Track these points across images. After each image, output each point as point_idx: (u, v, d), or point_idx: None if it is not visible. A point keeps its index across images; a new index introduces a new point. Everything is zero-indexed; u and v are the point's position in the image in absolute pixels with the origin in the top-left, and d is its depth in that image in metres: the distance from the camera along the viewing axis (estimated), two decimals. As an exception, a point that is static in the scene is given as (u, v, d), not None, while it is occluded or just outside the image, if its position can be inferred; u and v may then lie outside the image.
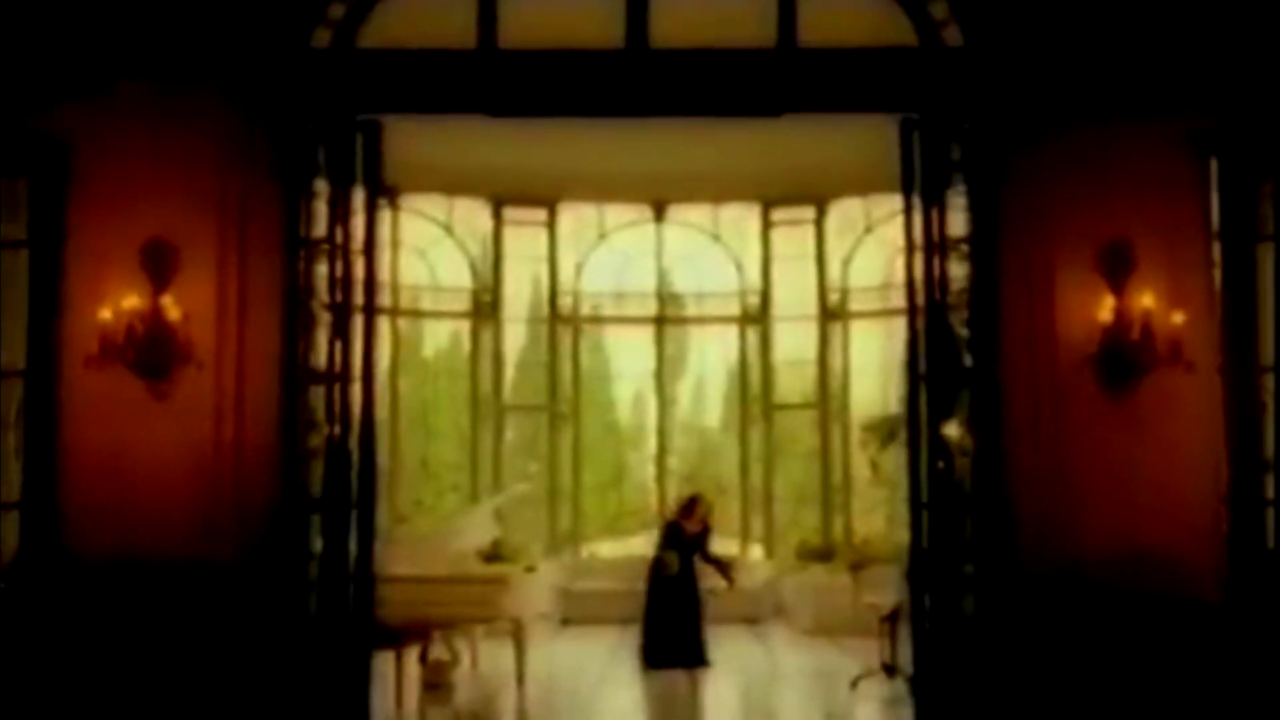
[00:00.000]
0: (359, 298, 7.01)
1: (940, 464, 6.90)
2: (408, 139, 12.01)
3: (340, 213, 7.00)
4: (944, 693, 6.90)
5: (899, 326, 13.96)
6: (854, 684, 8.70)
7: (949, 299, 6.97)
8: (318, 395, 6.93)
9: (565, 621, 12.92)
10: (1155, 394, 6.57)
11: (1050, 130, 6.84)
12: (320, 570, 6.84)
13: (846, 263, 14.16)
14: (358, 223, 7.05)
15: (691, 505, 10.50)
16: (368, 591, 6.92)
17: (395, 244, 13.81)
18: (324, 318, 6.94)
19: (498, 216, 14.25)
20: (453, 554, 8.92)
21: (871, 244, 14.05)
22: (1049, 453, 6.69)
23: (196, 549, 6.54)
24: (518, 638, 8.75)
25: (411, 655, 8.40)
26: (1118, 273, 6.61)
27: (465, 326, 14.32)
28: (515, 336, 14.65)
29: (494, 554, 12.64)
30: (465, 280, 14.25)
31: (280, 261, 6.83)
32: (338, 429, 6.87)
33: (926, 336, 7.01)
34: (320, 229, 6.96)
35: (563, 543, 14.09)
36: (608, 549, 14.56)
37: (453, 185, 13.97)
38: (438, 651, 8.73)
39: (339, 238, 6.97)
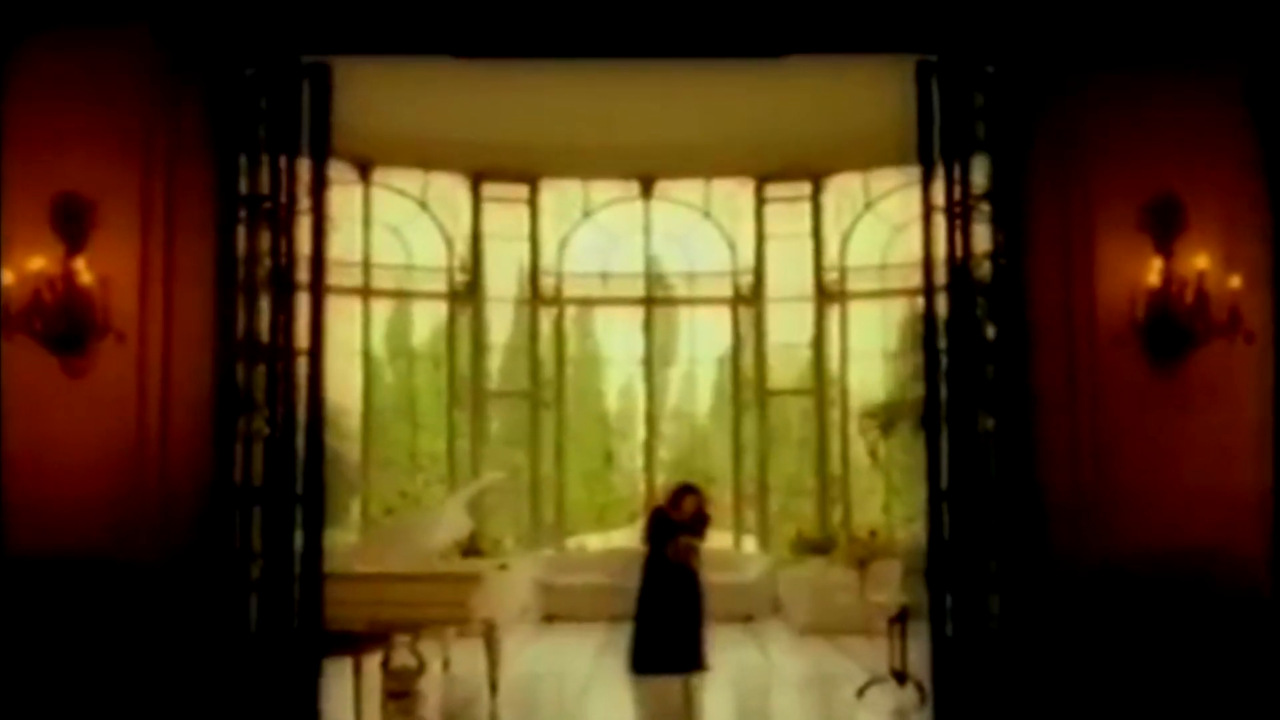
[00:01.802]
0: (306, 263, 6.18)
1: (962, 448, 6.13)
2: (380, 109, 11.47)
3: (284, 167, 6.19)
4: (967, 703, 6.15)
5: (899, 307, 13.68)
6: (860, 692, 7.94)
7: (971, 263, 6.19)
8: (259, 375, 6.12)
9: (548, 618, 12.27)
10: (1208, 368, 5.83)
11: (1086, 73, 6.07)
12: (262, 570, 6.05)
13: (845, 241, 13.78)
14: (304, 179, 6.22)
15: (678, 497, 9.48)
16: (315, 593, 6.13)
17: (367, 221, 13.21)
18: (266, 286, 6.12)
19: (476, 193, 13.68)
20: (418, 550, 8.12)
21: (871, 221, 13.71)
22: (1086, 435, 5.95)
23: (117, 547, 5.75)
24: (490, 641, 7.97)
25: (373, 662, 7.62)
26: (1166, 232, 5.86)
27: (444, 309, 13.65)
28: (503, 320, 14.08)
29: (472, 548, 12.00)
30: (442, 260, 13.58)
31: (214, 221, 6.03)
32: (281, 412, 6.06)
33: (948, 307, 6.24)
34: (261, 185, 6.15)
35: (547, 535, 13.44)
36: (595, 541, 13.93)
37: (429, 159, 13.52)
38: (402, 657, 7.94)
39: (282, 195, 6.15)
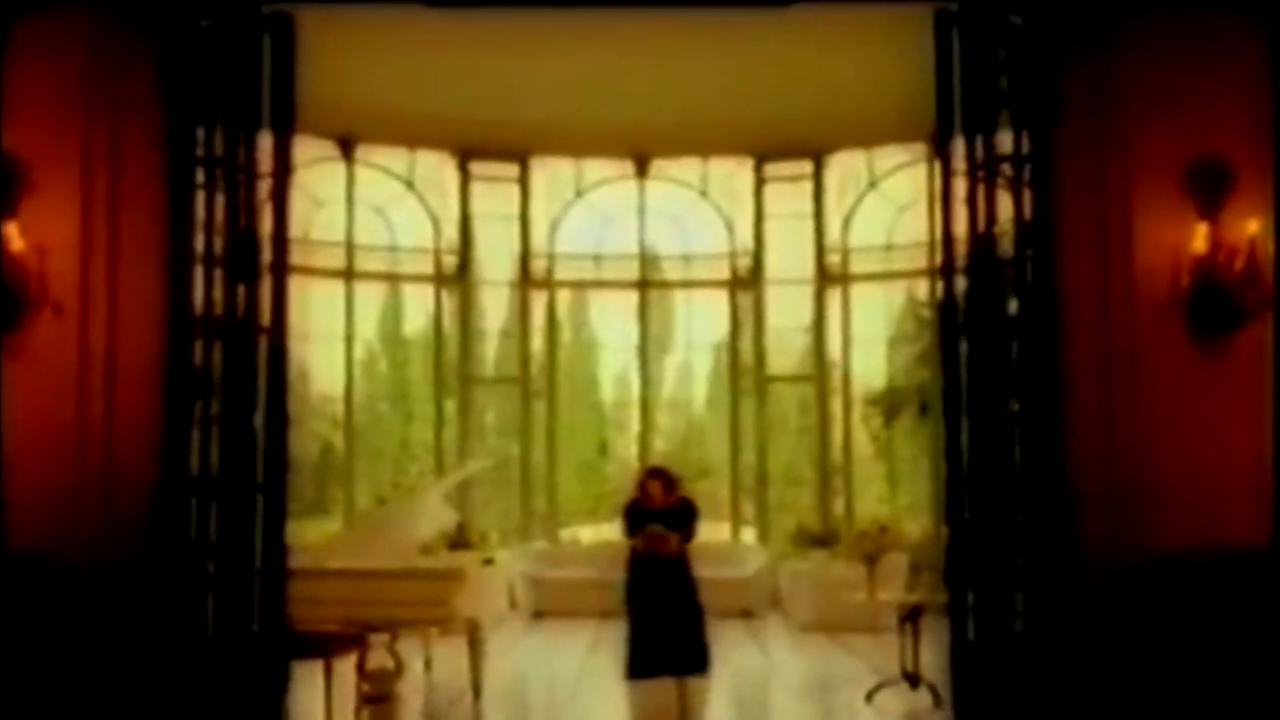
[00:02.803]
0: (267, 231, 5.66)
1: (984, 434, 5.63)
2: (362, 83, 10.97)
3: (242, 127, 5.66)
4: (989, 709, 5.66)
5: (904, 290, 13.22)
6: (870, 696, 7.44)
7: (994, 231, 5.69)
8: (217, 354, 5.60)
9: (537, 614, 11.77)
10: (1259, 345, 5.31)
11: (1120, 22, 5.57)
12: (219, 566, 5.54)
13: (847, 221, 13.36)
14: (266, 140, 5.70)
15: (643, 484, 8.54)
16: (278, 590, 5.61)
17: (350, 201, 12.72)
18: (224, 256, 5.60)
19: (465, 171, 13.17)
20: (399, 543, 7.61)
21: (875, 200, 13.31)
22: (1122, 418, 5.45)
23: (58, 543, 5.22)
24: (474, 640, 7.48)
25: (347, 664, 7.11)
26: (1211, 195, 5.35)
27: (430, 292, 13.19)
28: (497, 305, 13.65)
29: (459, 540, 11.53)
30: (429, 241, 13.10)
31: (165, 185, 5.50)
32: (238, 394, 5.54)
33: (967, 280, 5.73)
34: (218, 147, 5.63)
35: (538, 527, 13.03)
36: (588, 534, 13.46)
37: (415, 137, 13.05)
38: (379, 658, 7.43)
39: (242, 156, 5.63)
